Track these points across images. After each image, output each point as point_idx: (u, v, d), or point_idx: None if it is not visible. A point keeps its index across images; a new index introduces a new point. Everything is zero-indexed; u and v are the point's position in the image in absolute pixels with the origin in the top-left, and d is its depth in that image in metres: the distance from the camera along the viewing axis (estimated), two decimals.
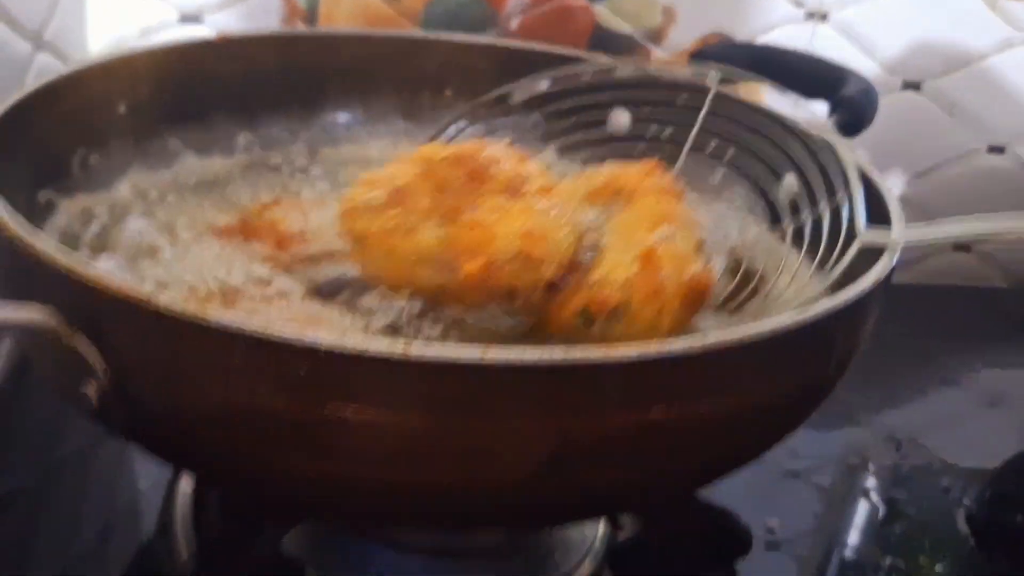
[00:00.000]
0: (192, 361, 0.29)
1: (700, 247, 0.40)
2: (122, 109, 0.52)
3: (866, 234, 0.41)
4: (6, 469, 0.53)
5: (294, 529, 0.43)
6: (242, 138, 0.58)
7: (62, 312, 0.30)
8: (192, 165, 0.55)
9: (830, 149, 0.46)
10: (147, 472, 0.53)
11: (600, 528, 0.51)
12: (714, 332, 0.30)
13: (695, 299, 0.37)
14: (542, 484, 0.31)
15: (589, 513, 0.37)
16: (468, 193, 0.37)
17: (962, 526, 0.56)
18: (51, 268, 0.31)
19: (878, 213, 0.43)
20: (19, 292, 0.31)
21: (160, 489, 0.51)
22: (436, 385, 0.28)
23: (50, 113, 0.47)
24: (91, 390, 0.30)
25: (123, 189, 0.51)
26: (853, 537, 0.55)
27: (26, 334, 0.30)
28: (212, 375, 0.29)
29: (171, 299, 0.29)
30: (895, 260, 0.38)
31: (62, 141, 0.48)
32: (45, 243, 0.31)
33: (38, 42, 0.62)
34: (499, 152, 0.40)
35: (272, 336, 0.28)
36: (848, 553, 0.53)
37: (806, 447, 0.59)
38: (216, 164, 0.56)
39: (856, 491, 0.59)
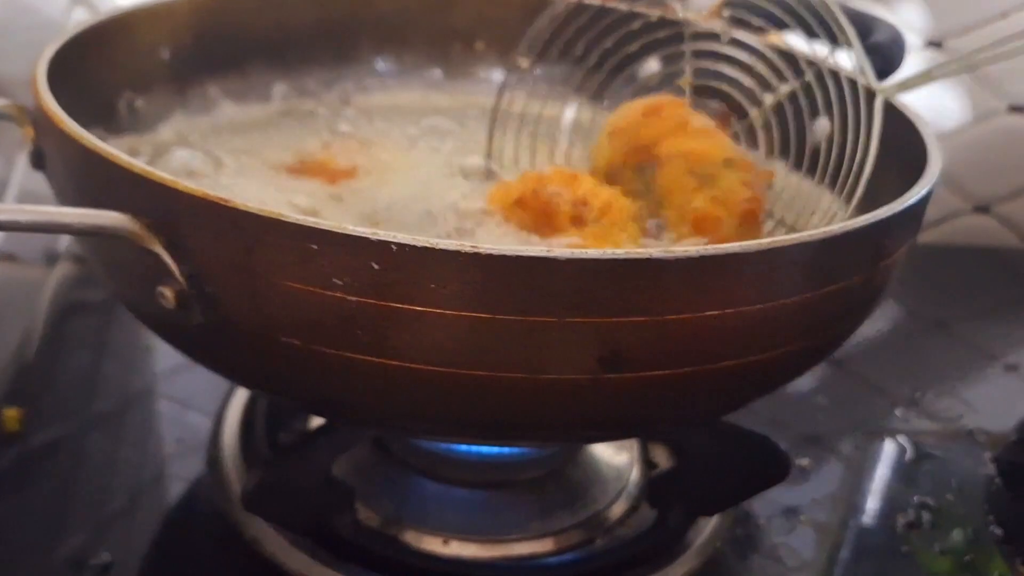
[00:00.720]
0: (268, 259, 0.30)
1: (735, 164, 0.42)
2: (165, 55, 0.53)
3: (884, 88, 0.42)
4: (48, 418, 0.54)
5: (342, 459, 0.44)
6: (278, 87, 0.59)
7: (139, 217, 0.31)
8: (231, 112, 0.56)
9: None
10: (190, 419, 0.54)
11: (635, 465, 0.52)
12: (770, 239, 0.31)
13: (750, 222, 0.38)
14: (597, 386, 0.32)
15: (639, 423, 0.38)
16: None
17: (989, 467, 0.57)
18: (128, 175, 0.32)
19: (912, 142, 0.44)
20: (94, 202, 0.32)
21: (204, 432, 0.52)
22: (501, 279, 0.29)
23: (99, 54, 0.48)
24: (169, 291, 0.32)
25: (166, 132, 0.53)
26: (882, 473, 0.56)
27: (107, 239, 0.31)
28: (288, 272, 0.30)
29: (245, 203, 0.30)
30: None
31: (110, 83, 0.49)
32: (121, 153, 0.32)
33: None
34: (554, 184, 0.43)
35: (348, 233, 0.29)
36: (877, 488, 0.55)
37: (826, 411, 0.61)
38: (254, 111, 0.57)
39: (882, 436, 0.60)
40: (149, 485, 0.51)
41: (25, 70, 0.55)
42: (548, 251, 0.29)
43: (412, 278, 0.30)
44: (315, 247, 0.30)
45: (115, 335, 0.63)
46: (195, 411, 0.55)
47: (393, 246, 0.29)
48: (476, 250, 0.29)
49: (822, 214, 0.49)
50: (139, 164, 0.32)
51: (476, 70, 0.63)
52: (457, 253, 0.29)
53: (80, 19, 0.64)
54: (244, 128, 0.56)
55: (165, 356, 0.60)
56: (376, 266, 0.29)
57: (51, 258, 0.63)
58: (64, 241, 0.65)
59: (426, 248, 0.29)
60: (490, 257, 0.29)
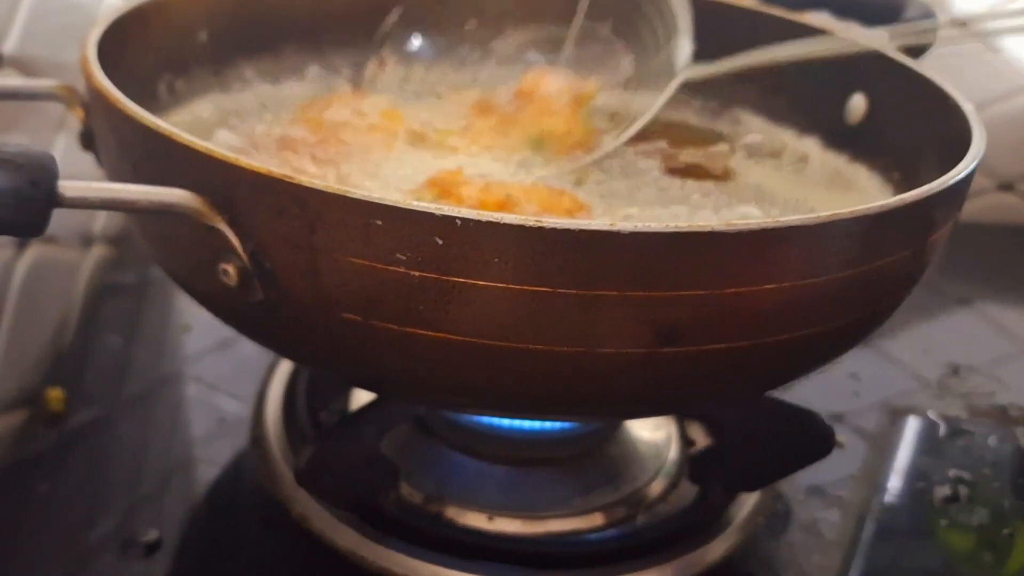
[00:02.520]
0: (331, 235, 0.31)
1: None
2: (203, 37, 0.54)
3: None
4: (87, 398, 0.55)
5: (386, 438, 0.45)
6: (312, 69, 0.59)
7: (202, 195, 0.32)
8: (267, 92, 0.57)
9: None
10: (226, 401, 0.55)
11: (673, 442, 0.52)
12: (828, 212, 0.32)
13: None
14: (652, 360, 0.33)
15: (690, 397, 0.38)
16: None
17: (1016, 439, 0.57)
18: (191, 153, 0.32)
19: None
20: (152, 181, 0.33)
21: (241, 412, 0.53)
22: (563, 254, 0.30)
23: (141, 36, 0.48)
24: (232, 268, 0.32)
25: (206, 111, 0.53)
26: (915, 450, 0.56)
27: (169, 216, 0.31)
28: (350, 248, 0.30)
29: (311, 178, 0.30)
30: None
31: (151, 64, 0.50)
32: (184, 133, 0.33)
33: None
34: None
35: (413, 208, 0.30)
36: (909, 465, 0.55)
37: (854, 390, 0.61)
38: (288, 90, 0.57)
39: (912, 413, 0.60)
40: (191, 464, 0.51)
41: (57, 53, 0.55)
42: (611, 225, 0.30)
43: (475, 252, 0.30)
44: (379, 223, 0.30)
45: (150, 317, 0.64)
46: (232, 393, 0.56)
47: (458, 221, 0.29)
48: (540, 224, 0.29)
49: None
50: (200, 141, 0.32)
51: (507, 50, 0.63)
52: (521, 227, 0.29)
53: (114, 3, 0.65)
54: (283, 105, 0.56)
55: (201, 337, 0.61)
56: (440, 241, 0.30)
57: (87, 240, 0.64)
58: (100, 223, 0.66)
59: (490, 223, 0.29)
60: (553, 231, 0.30)
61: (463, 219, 0.29)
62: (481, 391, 0.35)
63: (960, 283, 0.77)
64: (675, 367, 0.33)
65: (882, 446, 0.57)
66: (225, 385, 0.57)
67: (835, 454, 0.54)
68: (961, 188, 0.37)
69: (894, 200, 0.33)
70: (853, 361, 0.63)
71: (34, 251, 0.54)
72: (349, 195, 0.30)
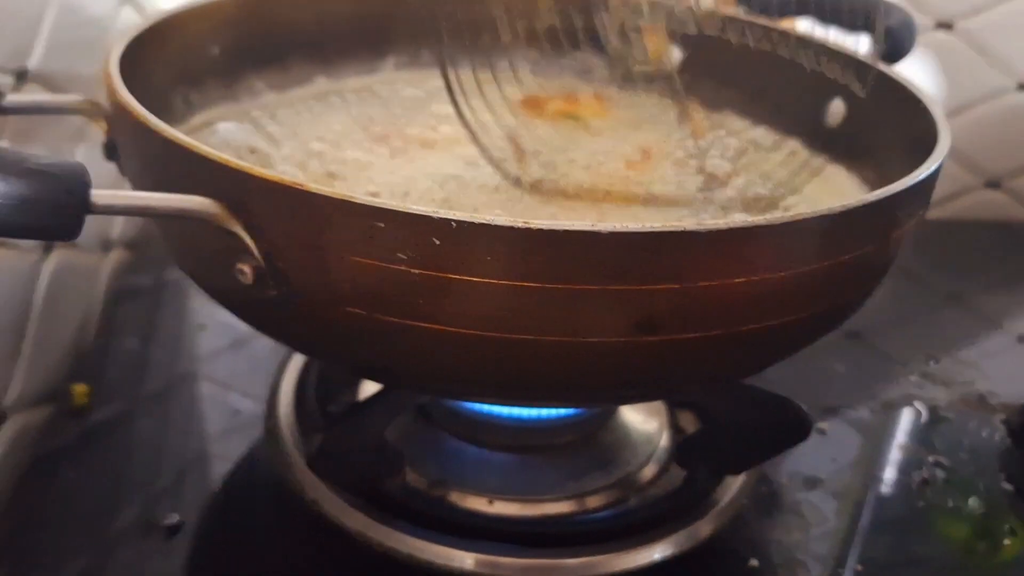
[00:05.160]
0: (338, 237, 0.34)
1: None
2: (215, 51, 0.57)
3: None
4: (109, 394, 0.58)
5: (392, 426, 0.48)
6: (319, 81, 0.62)
7: (219, 201, 0.35)
8: (275, 100, 0.60)
9: None
10: (243, 396, 0.58)
11: (664, 430, 0.55)
12: (792, 212, 0.35)
13: None
14: (632, 348, 0.36)
15: (669, 383, 0.41)
16: None
17: (1000, 429, 0.60)
18: (209, 164, 0.35)
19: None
20: (172, 188, 0.36)
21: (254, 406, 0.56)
22: (549, 252, 0.33)
23: (158, 51, 0.51)
24: (247, 268, 0.35)
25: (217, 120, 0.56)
26: (899, 437, 0.59)
27: (189, 221, 0.34)
28: (356, 248, 0.33)
29: (319, 185, 0.33)
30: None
31: (167, 78, 0.53)
32: (200, 144, 0.36)
33: None
34: None
35: (412, 212, 0.33)
36: (893, 451, 0.58)
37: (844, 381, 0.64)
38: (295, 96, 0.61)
39: (899, 403, 0.63)
40: (207, 456, 0.54)
41: (74, 67, 0.58)
42: (592, 225, 0.33)
43: (469, 252, 0.33)
44: (382, 225, 0.33)
45: (166, 317, 0.67)
46: (247, 388, 0.59)
47: (453, 223, 0.32)
48: (528, 225, 0.32)
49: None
50: (217, 153, 0.35)
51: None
52: (511, 228, 0.32)
53: (128, 18, 0.68)
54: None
55: (215, 336, 0.64)
56: (437, 241, 0.33)
57: (106, 245, 0.67)
58: (117, 228, 0.69)
59: (483, 224, 0.32)
60: (540, 232, 0.33)
61: (458, 221, 0.32)
62: (477, 379, 0.38)
63: (950, 278, 0.79)
64: (654, 354, 0.36)
65: (873, 434, 0.60)
66: (239, 383, 0.60)
67: (829, 445, 0.57)
68: (924, 187, 0.40)
69: (854, 201, 0.36)
70: (846, 354, 0.66)
71: (58, 255, 0.57)
72: (354, 200, 0.33)
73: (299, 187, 0.33)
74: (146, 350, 0.63)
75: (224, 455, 0.54)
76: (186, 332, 0.66)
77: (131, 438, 0.55)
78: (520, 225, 0.32)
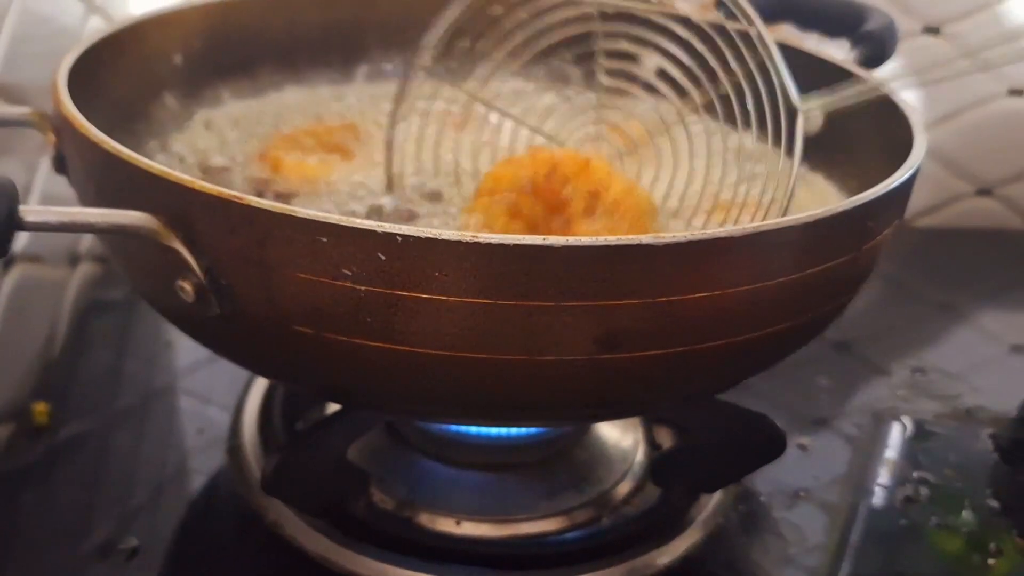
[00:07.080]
0: (280, 252, 0.32)
1: None
2: (178, 60, 0.55)
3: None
4: (74, 412, 0.56)
5: (357, 444, 0.46)
6: (289, 90, 0.61)
7: (158, 215, 0.33)
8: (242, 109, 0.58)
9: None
10: (210, 413, 0.56)
11: (640, 447, 0.54)
12: (756, 223, 0.33)
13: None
14: (594, 366, 0.34)
15: (635, 402, 0.40)
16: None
17: (987, 443, 0.58)
18: (146, 176, 0.34)
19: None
20: (114, 202, 0.34)
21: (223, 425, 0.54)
22: (500, 267, 0.31)
23: (115, 61, 0.50)
24: (188, 285, 0.34)
25: (183, 131, 0.55)
26: (885, 451, 0.58)
27: (129, 237, 0.33)
28: (299, 264, 0.32)
29: (259, 199, 0.32)
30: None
31: (127, 88, 0.51)
32: (138, 155, 0.34)
33: (90, 6, 0.65)
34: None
35: (355, 226, 0.31)
36: (879, 466, 0.56)
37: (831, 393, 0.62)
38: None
39: (887, 416, 0.61)
40: (172, 475, 0.53)
41: (42, 78, 0.57)
42: (544, 239, 0.31)
43: (416, 267, 0.32)
44: (324, 240, 0.31)
45: (136, 333, 0.65)
46: (215, 405, 0.57)
47: (398, 237, 0.31)
48: (476, 239, 0.31)
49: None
50: (156, 165, 0.34)
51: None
52: (459, 243, 0.31)
53: (96, 27, 0.66)
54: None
55: (185, 352, 0.62)
56: (382, 256, 0.31)
57: (73, 259, 0.66)
58: (86, 242, 0.67)
59: (429, 239, 0.31)
60: (489, 246, 0.31)
61: (403, 236, 0.31)
62: (434, 400, 0.36)
63: (941, 287, 0.78)
64: (616, 373, 0.35)
65: (859, 447, 0.58)
66: (215, 397, 0.58)
67: (818, 458, 0.56)
68: (898, 195, 0.39)
69: (820, 211, 0.34)
70: (836, 366, 0.65)
71: (19, 270, 0.56)
72: (294, 214, 0.31)
73: (238, 200, 0.32)
74: (119, 365, 0.62)
75: (191, 474, 0.53)
76: (160, 346, 0.64)
77: (97, 457, 0.54)
78: (468, 239, 0.31)
